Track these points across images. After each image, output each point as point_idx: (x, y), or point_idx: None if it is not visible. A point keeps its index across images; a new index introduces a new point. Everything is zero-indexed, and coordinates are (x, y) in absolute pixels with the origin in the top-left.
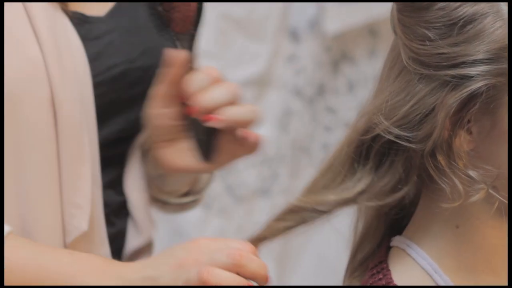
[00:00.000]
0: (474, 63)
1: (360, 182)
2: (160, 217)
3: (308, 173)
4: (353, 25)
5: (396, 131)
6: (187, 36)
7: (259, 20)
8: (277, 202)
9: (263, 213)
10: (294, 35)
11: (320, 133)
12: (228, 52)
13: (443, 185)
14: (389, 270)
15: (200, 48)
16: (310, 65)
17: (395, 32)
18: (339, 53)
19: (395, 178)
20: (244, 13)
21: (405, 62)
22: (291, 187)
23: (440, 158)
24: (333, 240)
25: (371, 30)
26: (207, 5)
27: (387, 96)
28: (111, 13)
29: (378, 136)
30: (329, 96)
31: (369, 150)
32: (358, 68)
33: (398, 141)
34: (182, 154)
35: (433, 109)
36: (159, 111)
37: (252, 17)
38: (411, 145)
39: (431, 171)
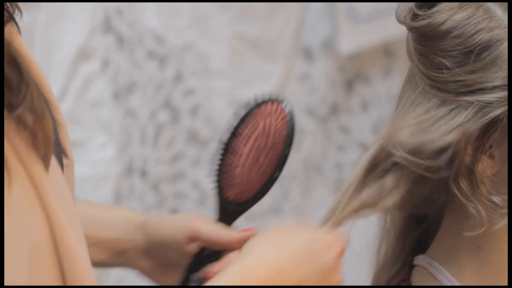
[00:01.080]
0: (493, 89)
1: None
2: None
3: (320, 192)
4: (368, 45)
5: (415, 160)
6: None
7: (273, 39)
8: (289, 221)
9: None
10: (307, 55)
11: (333, 152)
12: (241, 71)
13: (469, 209)
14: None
15: (214, 67)
16: (324, 84)
17: (411, 60)
18: (353, 72)
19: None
20: (258, 33)
21: (421, 89)
22: (303, 206)
23: (463, 184)
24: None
25: (386, 50)
26: (220, 24)
27: (405, 124)
28: None
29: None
30: (342, 115)
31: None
32: (373, 88)
33: (419, 170)
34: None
35: (453, 136)
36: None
37: (266, 36)
38: (431, 175)
39: (457, 195)
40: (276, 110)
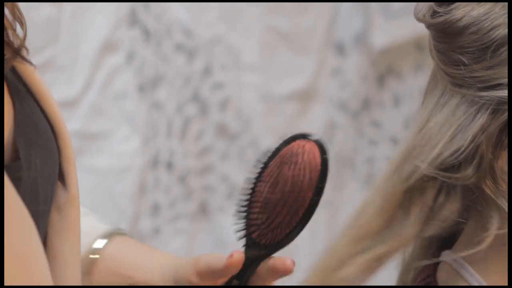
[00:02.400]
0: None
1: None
2: (201, 228)
3: (352, 186)
4: (400, 40)
5: (443, 174)
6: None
7: (305, 33)
8: (320, 215)
9: (306, 225)
10: (339, 49)
11: (364, 146)
12: (273, 65)
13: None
14: (436, 285)
15: (244, 61)
16: (356, 79)
17: (432, 58)
18: (385, 67)
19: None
20: (290, 26)
21: (443, 87)
22: (335, 201)
23: (488, 182)
24: None
25: (418, 45)
26: (251, 18)
27: (432, 138)
28: None
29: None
30: (374, 110)
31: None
32: (404, 82)
33: (447, 180)
34: None
35: (479, 141)
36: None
37: (298, 30)
38: (461, 182)
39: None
40: (305, 148)
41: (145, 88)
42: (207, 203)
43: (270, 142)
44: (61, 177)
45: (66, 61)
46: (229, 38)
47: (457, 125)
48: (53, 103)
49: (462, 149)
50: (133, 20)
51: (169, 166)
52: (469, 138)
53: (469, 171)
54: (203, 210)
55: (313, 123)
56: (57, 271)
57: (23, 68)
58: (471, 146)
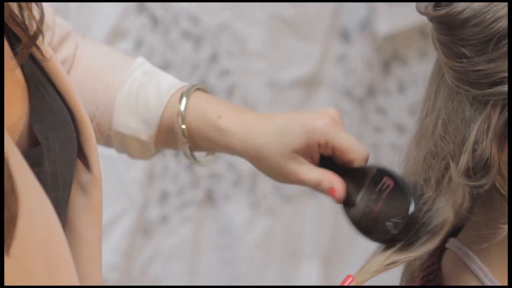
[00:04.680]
0: None
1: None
2: (207, 216)
3: None
4: (405, 26)
5: (464, 180)
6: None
7: (310, 20)
8: (326, 203)
9: (311, 213)
10: (344, 36)
11: (369, 133)
12: (278, 52)
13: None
14: (441, 272)
15: (250, 48)
16: (361, 65)
17: (436, 50)
18: (390, 54)
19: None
20: (295, 14)
21: (449, 81)
22: None
23: (494, 173)
24: None
25: (422, 31)
26: (256, 5)
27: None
28: None
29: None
30: (379, 96)
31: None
32: (409, 69)
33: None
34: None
35: (489, 143)
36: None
37: (303, 17)
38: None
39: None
40: None
41: None
42: (214, 190)
43: None
44: (84, 159)
45: None
46: (235, 26)
47: (468, 124)
48: (70, 85)
49: (470, 147)
50: (141, 8)
51: (177, 154)
52: (480, 140)
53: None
54: (210, 197)
55: None
56: (78, 251)
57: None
58: (478, 143)
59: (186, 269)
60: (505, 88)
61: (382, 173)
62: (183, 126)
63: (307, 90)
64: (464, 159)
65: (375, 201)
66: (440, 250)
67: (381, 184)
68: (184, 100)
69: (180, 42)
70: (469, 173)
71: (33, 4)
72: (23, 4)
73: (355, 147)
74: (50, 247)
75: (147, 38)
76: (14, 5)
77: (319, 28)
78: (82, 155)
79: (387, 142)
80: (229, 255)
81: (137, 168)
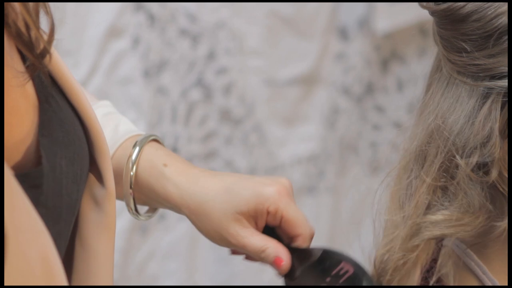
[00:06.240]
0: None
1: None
2: None
3: (355, 171)
4: (404, 24)
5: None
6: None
7: (308, 18)
8: (323, 200)
9: (308, 210)
10: (343, 34)
11: (368, 131)
12: (276, 50)
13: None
14: (439, 269)
15: (248, 46)
16: (359, 63)
17: (436, 44)
18: (388, 52)
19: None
20: (293, 11)
21: (446, 73)
22: (338, 185)
23: (493, 170)
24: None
25: (421, 29)
26: (255, 3)
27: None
28: None
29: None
30: (377, 94)
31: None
32: (408, 67)
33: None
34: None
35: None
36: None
37: (301, 15)
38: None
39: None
40: None
41: (150, 73)
42: None
43: (274, 127)
44: (97, 173)
45: (72, 46)
46: (232, 23)
47: (465, 115)
48: (82, 97)
49: (472, 139)
50: (138, 6)
51: (174, 151)
52: (479, 129)
53: (475, 159)
54: None
55: (316, 108)
56: (90, 265)
57: (52, 60)
58: (480, 137)
59: (183, 267)
60: (504, 82)
61: (340, 257)
62: (132, 173)
63: (305, 88)
64: (474, 155)
65: (330, 283)
66: (439, 246)
67: (338, 268)
68: (137, 149)
69: (178, 39)
70: (473, 169)
71: (42, 16)
72: (30, 22)
73: (304, 222)
74: (35, 266)
75: (144, 35)
76: (21, 24)
77: (318, 26)
78: (95, 169)
79: (385, 140)
80: (226, 253)
81: None
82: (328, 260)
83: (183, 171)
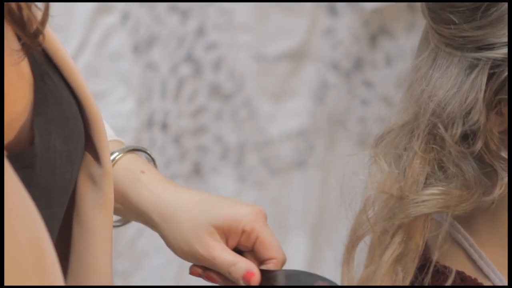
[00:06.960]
0: (500, 46)
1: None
2: (195, 188)
3: (344, 146)
4: None
5: (454, 147)
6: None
7: None
8: (313, 175)
9: (298, 185)
10: (331, 9)
11: (356, 106)
12: (265, 25)
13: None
14: (427, 243)
15: (237, 22)
16: (348, 39)
17: (424, 16)
18: (377, 27)
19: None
20: None
21: (434, 46)
22: (327, 160)
23: (479, 143)
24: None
25: (410, 5)
26: None
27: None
28: None
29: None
30: (366, 70)
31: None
32: (397, 42)
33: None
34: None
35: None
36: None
37: None
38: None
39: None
40: None
41: (140, 48)
42: (201, 163)
43: (263, 102)
44: (94, 152)
45: (61, 21)
46: None
47: (451, 86)
48: (79, 76)
49: (456, 109)
50: None
51: (164, 126)
52: (464, 99)
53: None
54: (197, 170)
55: (305, 83)
56: (88, 244)
57: (47, 39)
58: (464, 107)
59: None
60: (491, 54)
61: (315, 278)
62: None
63: (294, 63)
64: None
65: None
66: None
67: None
68: (115, 154)
69: (167, 15)
70: (460, 139)
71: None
72: (23, 4)
73: (279, 246)
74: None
75: (134, 11)
76: (12, 4)
77: (306, 1)
78: (91, 147)
79: (374, 115)
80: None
81: (124, 140)
82: (302, 281)
83: (161, 180)
